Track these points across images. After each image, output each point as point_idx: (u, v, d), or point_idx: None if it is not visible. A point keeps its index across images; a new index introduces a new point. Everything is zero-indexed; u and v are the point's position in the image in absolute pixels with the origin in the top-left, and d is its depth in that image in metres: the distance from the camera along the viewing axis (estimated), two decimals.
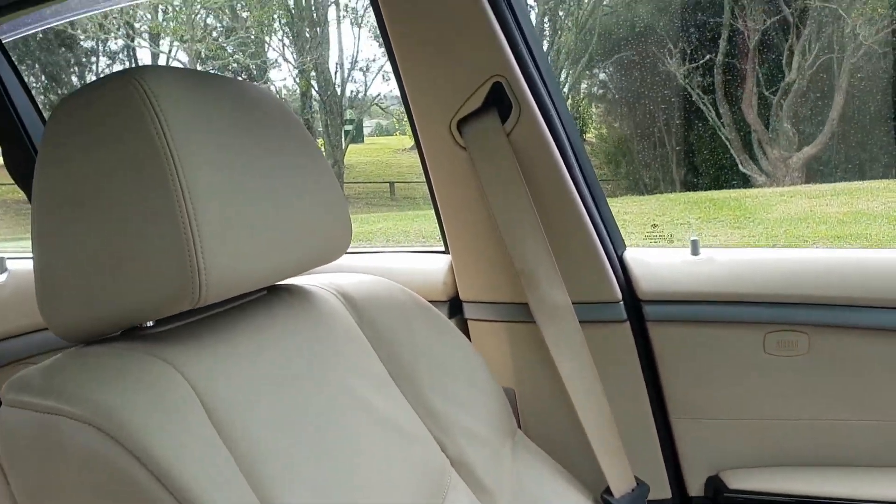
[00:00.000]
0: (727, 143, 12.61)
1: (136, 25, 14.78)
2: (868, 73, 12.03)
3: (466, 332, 1.92)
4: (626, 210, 9.61)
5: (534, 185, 1.71)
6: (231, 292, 0.99)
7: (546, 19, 14.68)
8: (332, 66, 15.16)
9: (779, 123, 12.21)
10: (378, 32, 1.80)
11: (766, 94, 12.46)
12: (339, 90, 14.99)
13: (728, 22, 12.68)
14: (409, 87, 1.67)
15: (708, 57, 12.83)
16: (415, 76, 1.66)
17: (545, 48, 14.72)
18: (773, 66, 12.46)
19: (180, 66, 15.33)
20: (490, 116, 1.72)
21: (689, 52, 12.83)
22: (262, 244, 1.02)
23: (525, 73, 1.64)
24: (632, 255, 1.84)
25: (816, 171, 11.83)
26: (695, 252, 1.81)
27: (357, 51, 15.10)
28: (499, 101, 1.69)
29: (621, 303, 1.78)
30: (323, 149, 15.61)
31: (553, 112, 1.68)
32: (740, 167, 12.41)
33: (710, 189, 11.93)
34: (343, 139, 15.68)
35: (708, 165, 13.28)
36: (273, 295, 1.24)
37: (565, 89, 15.60)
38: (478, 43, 1.60)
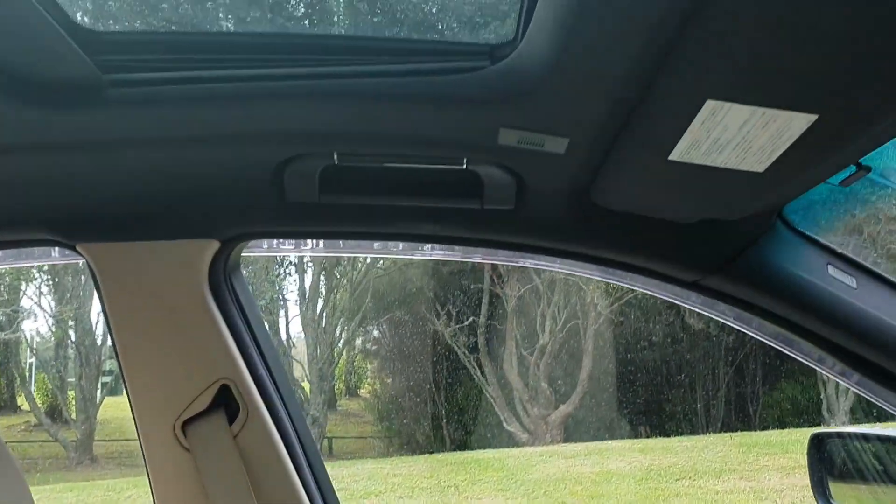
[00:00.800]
0: (492, 401, 13.26)
1: None
2: (608, 339, 13.54)
3: None
4: (396, 472, 9.51)
5: (261, 489, 1.64)
6: None
7: (322, 277, 15.18)
8: (93, 316, 14.32)
9: (537, 382, 13.14)
10: None
11: (525, 354, 13.50)
12: (99, 340, 14.10)
13: (488, 288, 13.93)
14: (132, 384, 1.60)
15: (472, 319, 13.84)
16: (138, 373, 1.59)
17: (321, 305, 15.09)
18: (529, 329, 13.66)
19: None
20: (217, 418, 1.66)
21: (454, 313, 13.78)
22: None
23: (254, 375, 1.64)
24: None
25: (572, 429, 12.65)
26: None
27: None
28: (227, 401, 1.66)
29: None
30: (73, 402, 14.25)
31: (283, 413, 1.67)
32: (505, 425, 12.99)
33: (477, 448, 12.24)
34: (99, 391, 14.51)
35: (475, 423, 13.76)
36: None
37: (339, 345, 15.87)
38: (204, 345, 1.59)
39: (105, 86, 1.11)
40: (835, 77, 0.85)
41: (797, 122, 0.93)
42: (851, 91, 0.87)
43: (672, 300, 1.55)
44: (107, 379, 15.02)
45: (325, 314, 15.35)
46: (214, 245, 1.45)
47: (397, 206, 1.38)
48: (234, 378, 1.60)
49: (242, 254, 1.60)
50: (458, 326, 13.85)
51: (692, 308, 1.56)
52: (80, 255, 1.48)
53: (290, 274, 15.42)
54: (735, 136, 0.99)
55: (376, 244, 1.58)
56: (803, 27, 0.77)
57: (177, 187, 1.36)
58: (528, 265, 1.61)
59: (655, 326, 13.66)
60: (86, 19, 1.08)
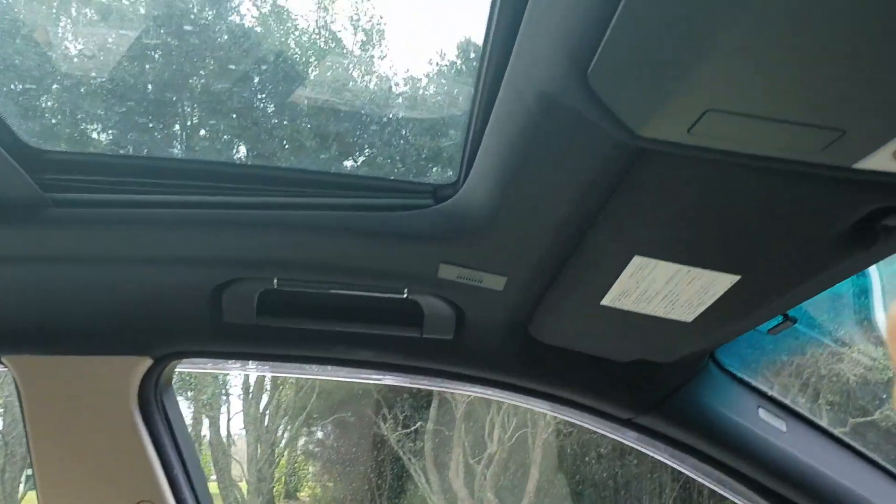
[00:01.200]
0: None
1: None
2: (556, 450, 13.36)
3: None
4: None
5: None
6: None
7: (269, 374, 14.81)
8: None
9: (483, 493, 12.80)
10: None
11: (472, 462, 13.20)
12: None
13: (438, 392, 13.73)
14: (45, 497, 1.54)
15: (419, 423, 13.56)
16: (55, 492, 1.53)
17: (265, 402, 14.67)
18: (477, 437, 13.42)
19: None
20: None
21: (402, 417, 13.49)
22: None
23: (178, 497, 1.58)
24: None
25: None
26: None
27: None
28: None
29: None
30: None
31: None
32: None
33: None
34: (23, 485, 13.73)
35: None
36: None
37: (282, 444, 15.34)
38: (128, 465, 1.54)
39: (46, 204, 1.11)
40: (755, 244, 0.89)
41: (721, 281, 0.97)
42: (770, 257, 0.91)
43: (608, 435, 1.55)
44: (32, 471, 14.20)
45: (268, 412, 14.92)
46: (146, 362, 1.42)
47: (337, 332, 1.39)
48: (156, 500, 1.54)
49: (176, 369, 1.57)
50: (404, 431, 13.57)
51: (628, 444, 1.56)
52: (5, 366, 1.43)
53: None
54: (662, 288, 1.02)
55: (315, 367, 1.56)
56: (724, 200, 0.81)
57: (111, 304, 1.34)
58: (466, 392, 1.61)
59: (604, 439, 13.56)
60: (34, 139, 1.09)
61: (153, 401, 1.50)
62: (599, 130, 0.71)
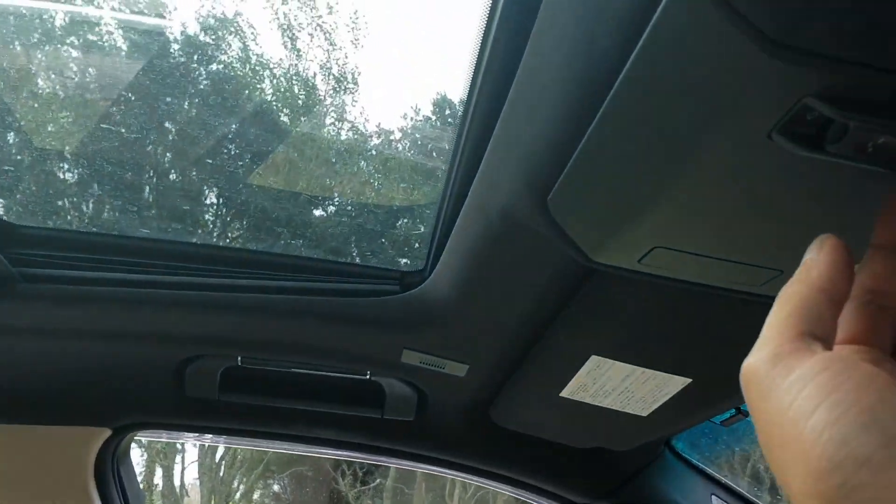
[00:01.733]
0: None
1: None
2: None
3: None
4: None
5: None
6: None
7: None
8: None
9: None
10: None
11: None
12: None
13: None
14: None
15: (379, 481, 13.33)
16: None
17: (221, 452, 14.33)
18: (438, 496, 13.22)
19: None
20: None
21: (361, 474, 13.26)
22: None
23: None
24: None
25: None
26: None
27: None
28: None
29: None
30: None
31: None
32: None
33: None
34: None
35: None
36: None
37: (237, 497, 14.95)
38: None
39: (15, 279, 1.11)
40: (704, 352, 0.93)
41: (674, 382, 1.01)
42: (720, 364, 0.95)
43: None
44: None
45: (224, 463, 14.58)
46: (105, 433, 1.41)
47: (298, 410, 1.39)
48: None
49: (136, 437, 1.56)
50: (363, 488, 13.33)
51: None
52: None
53: None
54: (618, 386, 1.05)
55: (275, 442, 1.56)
56: (673, 315, 0.85)
57: (72, 375, 1.34)
58: (427, 471, 1.61)
59: None
60: (7, 214, 1.10)
61: (110, 473, 1.48)
62: (556, 248, 0.75)
